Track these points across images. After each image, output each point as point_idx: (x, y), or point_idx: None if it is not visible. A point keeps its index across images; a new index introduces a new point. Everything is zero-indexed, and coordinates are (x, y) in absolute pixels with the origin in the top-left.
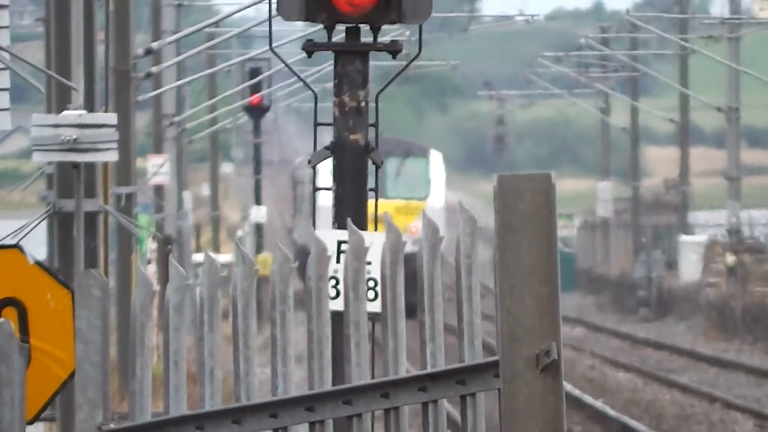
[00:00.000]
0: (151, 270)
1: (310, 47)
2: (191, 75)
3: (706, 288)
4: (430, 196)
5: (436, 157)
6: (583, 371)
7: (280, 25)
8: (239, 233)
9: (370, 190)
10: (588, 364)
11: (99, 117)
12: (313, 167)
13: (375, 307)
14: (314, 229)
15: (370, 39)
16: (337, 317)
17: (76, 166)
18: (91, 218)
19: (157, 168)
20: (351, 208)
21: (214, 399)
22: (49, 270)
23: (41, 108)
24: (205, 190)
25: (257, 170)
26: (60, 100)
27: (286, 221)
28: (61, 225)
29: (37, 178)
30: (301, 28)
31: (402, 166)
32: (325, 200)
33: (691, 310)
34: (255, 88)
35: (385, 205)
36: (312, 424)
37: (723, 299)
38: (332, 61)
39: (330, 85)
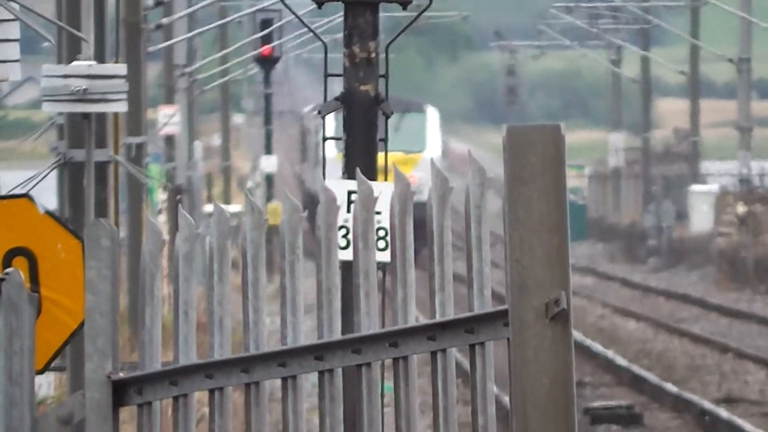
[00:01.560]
0: (162, 220)
1: None
2: (202, 26)
3: (717, 237)
4: (426, 149)
5: (432, 113)
6: (594, 321)
7: None
8: (249, 183)
9: (380, 140)
10: (598, 313)
11: (109, 68)
12: (323, 117)
13: (384, 256)
14: (324, 179)
15: None
16: (347, 267)
17: (86, 116)
18: (101, 168)
19: (168, 118)
20: (360, 159)
21: (224, 348)
22: (60, 220)
23: (51, 59)
24: (216, 141)
25: (267, 120)
26: (70, 51)
27: (296, 170)
28: (71, 175)
29: (48, 129)
30: None
31: (401, 121)
32: (330, 151)
33: (702, 260)
34: (266, 39)
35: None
36: (321, 373)
37: (734, 249)
38: (342, 13)
39: (340, 36)
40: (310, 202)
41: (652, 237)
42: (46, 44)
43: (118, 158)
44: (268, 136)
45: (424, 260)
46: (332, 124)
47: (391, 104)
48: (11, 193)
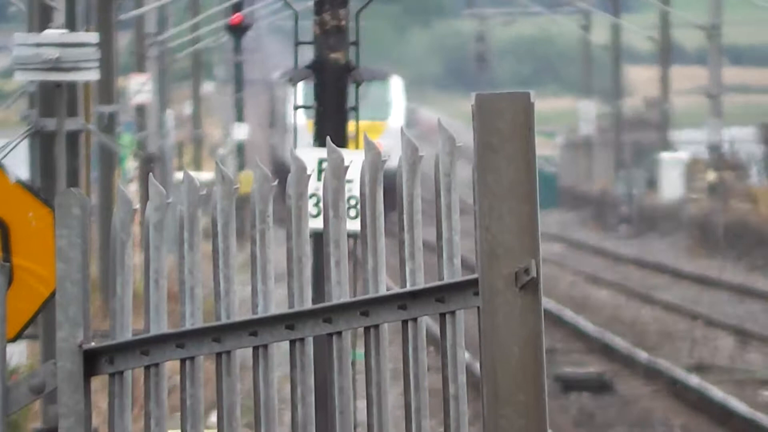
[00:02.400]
0: (133, 189)
1: None
2: None
3: (687, 204)
4: (390, 117)
5: (396, 82)
6: (565, 288)
7: None
8: (220, 151)
9: (351, 108)
10: (569, 281)
11: (80, 36)
12: (294, 85)
13: (355, 225)
14: (294, 147)
15: None
16: (318, 236)
17: (58, 85)
18: (72, 137)
19: (140, 87)
20: (331, 126)
21: (195, 317)
22: (31, 189)
23: (22, 27)
24: (188, 109)
25: (239, 89)
26: (41, 19)
27: (267, 138)
28: (42, 144)
29: (19, 97)
30: None
31: (365, 90)
32: (300, 119)
33: (673, 228)
34: (237, 7)
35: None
36: (292, 342)
37: (705, 216)
38: None
39: (311, 3)
40: (280, 169)
41: (623, 204)
42: (12, 9)
43: (90, 127)
44: (240, 105)
45: (394, 227)
46: (302, 91)
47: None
48: None
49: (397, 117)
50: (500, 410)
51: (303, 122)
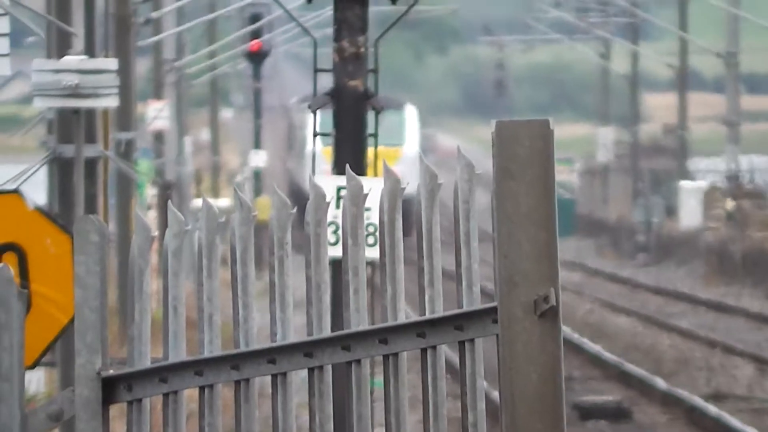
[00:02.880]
0: (151, 215)
1: None
2: (191, 20)
3: (705, 232)
4: (405, 144)
5: (410, 111)
6: (583, 315)
7: None
8: (238, 178)
9: (369, 135)
10: (587, 308)
11: (99, 62)
12: (313, 112)
13: (374, 252)
14: (313, 174)
15: None
16: (336, 263)
17: (76, 111)
18: (91, 164)
19: (157, 113)
20: (350, 154)
21: (213, 345)
22: (49, 215)
23: (41, 53)
24: (205, 135)
25: (257, 115)
26: (60, 45)
27: (285, 165)
28: (61, 170)
29: (38, 124)
30: None
31: (381, 117)
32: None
33: (691, 255)
34: (255, 34)
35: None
36: (311, 370)
37: (722, 244)
38: (332, 6)
39: (330, 30)
40: (297, 196)
41: (641, 232)
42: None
43: (108, 154)
44: (257, 131)
45: (412, 255)
46: (319, 118)
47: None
48: (1, 188)
49: (411, 144)
50: None
51: (319, 149)
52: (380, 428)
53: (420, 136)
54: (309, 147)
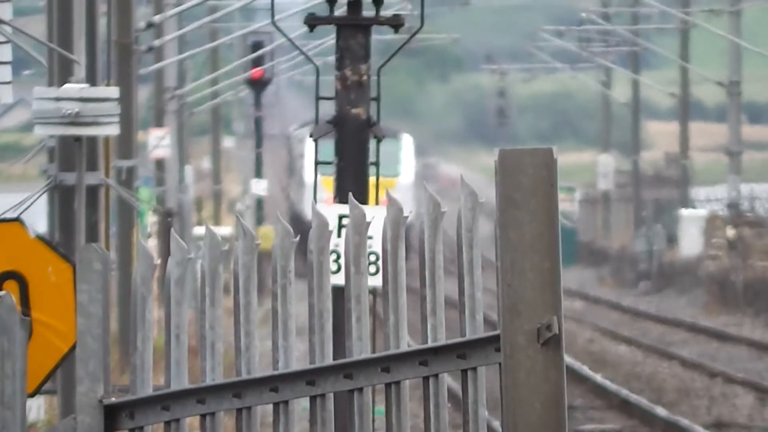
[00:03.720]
0: (152, 243)
1: (312, 21)
2: (193, 48)
3: (706, 261)
4: (401, 174)
5: (407, 140)
6: (584, 344)
7: None
8: (239, 206)
9: (371, 164)
10: (588, 337)
11: (101, 91)
12: (315, 141)
13: (375, 281)
14: (315, 202)
15: (372, 12)
16: (339, 291)
17: (77, 139)
18: (92, 192)
19: (159, 141)
20: (352, 182)
21: (215, 373)
22: (50, 243)
23: (43, 81)
24: (207, 164)
25: (258, 144)
26: (62, 73)
27: (285, 193)
28: (62, 198)
29: (39, 152)
30: (303, 2)
31: (376, 147)
32: (311, 176)
33: (692, 284)
34: (257, 62)
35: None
36: (313, 398)
37: (724, 273)
38: (334, 35)
39: (332, 58)
40: (297, 223)
41: (643, 261)
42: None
43: (109, 182)
44: (259, 160)
45: (414, 283)
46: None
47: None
48: (2, 217)
49: (407, 174)
50: None
51: (318, 178)
52: None
53: (417, 166)
54: (307, 175)
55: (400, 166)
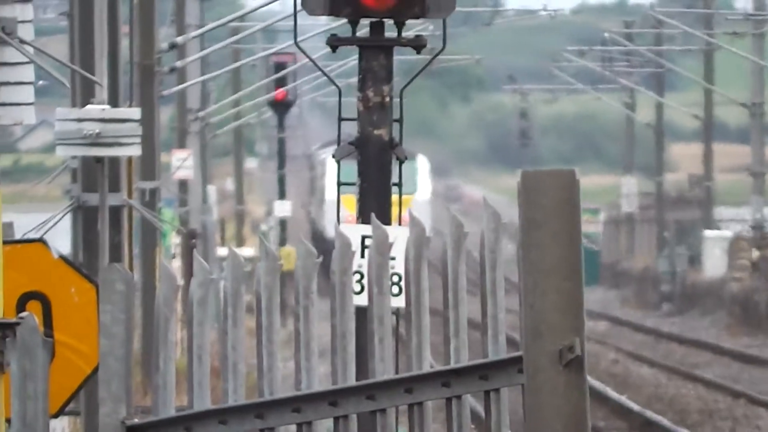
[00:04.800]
0: (175, 264)
1: (335, 42)
2: (215, 69)
3: (730, 283)
4: (417, 192)
5: (422, 160)
6: (607, 366)
7: (304, 19)
8: (262, 227)
9: (394, 185)
10: (612, 358)
11: (122, 112)
12: (338, 162)
13: (399, 302)
14: (338, 223)
15: (394, 33)
16: (361, 312)
17: (99, 160)
18: (115, 212)
19: (181, 162)
20: (375, 203)
21: (238, 393)
22: (73, 264)
23: (65, 102)
24: (230, 185)
25: (281, 165)
26: (84, 94)
27: (308, 213)
28: (85, 219)
29: (61, 172)
30: (325, 23)
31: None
32: (333, 193)
33: (715, 305)
34: (279, 83)
35: None
36: (336, 419)
37: (747, 294)
38: (356, 56)
39: (354, 79)
40: (319, 243)
41: (666, 282)
42: (41, 83)
43: (132, 202)
44: (282, 181)
45: (436, 305)
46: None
47: None
48: (25, 237)
49: (423, 192)
50: None
51: (334, 198)
52: None
53: (434, 185)
54: (328, 194)
55: (416, 184)
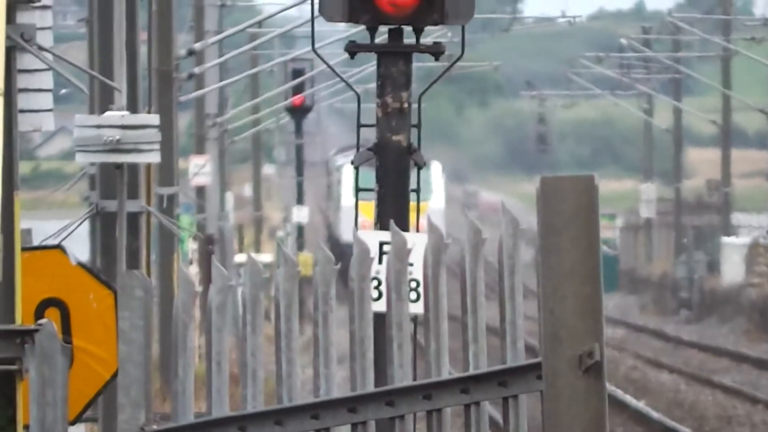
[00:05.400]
0: (193, 271)
1: (353, 48)
2: (234, 75)
3: (748, 289)
4: (431, 199)
5: (436, 167)
6: (626, 372)
7: (322, 25)
8: (279, 233)
9: (412, 191)
10: (630, 364)
11: (141, 118)
12: (356, 168)
13: (417, 308)
14: (356, 229)
15: (412, 40)
16: (379, 318)
17: (118, 166)
18: (133, 219)
19: (199, 168)
20: (393, 209)
21: (257, 400)
22: (92, 270)
23: (84, 109)
24: (247, 191)
25: (299, 171)
26: (103, 100)
27: (325, 216)
28: (103, 225)
29: (80, 179)
30: (343, 29)
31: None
32: (347, 200)
33: (733, 312)
34: (297, 89)
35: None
36: (354, 426)
37: (765, 300)
38: (375, 62)
39: (372, 85)
40: (336, 247)
41: (684, 288)
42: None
43: (150, 209)
44: (300, 187)
45: (455, 310)
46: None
47: None
48: (44, 244)
49: (437, 198)
50: None
51: (349, 203)
52: None
53: (449, 191)
54: (344, 199)
55: (431, 190)
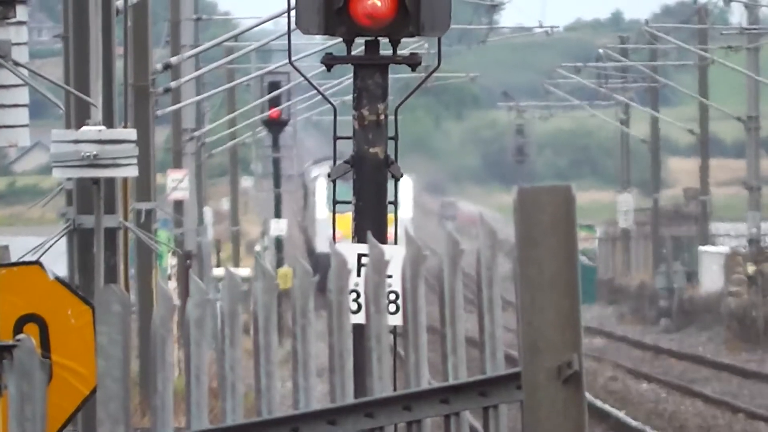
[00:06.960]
0: (172, 285)
1: (329, 60)
2: (210, 89)
3: (727, 298)
4: (398, 209)
5: (404, 179)
6: (605, 382)
7: (299, 38)
8: (257, 247)
9: (389, 203)
10: (610, 375)
11: (118, 133)
12: (333, 181)
13: (396, 320)
14: (334, 242)
15: (389, 52)
16: (359, 330)
17: (95, 182)
18: (110, 234)
19: (177, 183)
20: (371, 221)
21: (236, 413)
22: (70, 286)
23: (60, 124)
24: (225, 205)
25: (277, 184)
26: (79, 116)
27: (303, 228)
28: (80, 241)
29: (57, 195)
30: (320, 42)
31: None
32: (321, 212)
33: (713, 321)
34: (274, 102)
35: None
36: None
37: (744, 309)
38: (351, 74)
39: (349, 98)
40: (311, 257)
41: (663, 298)
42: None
43: (128, 224)
44: (278, 200)
45: (434, 322)
46: (328, 184)
47: None
48: (21, 260)
49: (406, 209)
50: None
51: (324, 215)
52: None
53: (413, 203)
54: (319, 211)
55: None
